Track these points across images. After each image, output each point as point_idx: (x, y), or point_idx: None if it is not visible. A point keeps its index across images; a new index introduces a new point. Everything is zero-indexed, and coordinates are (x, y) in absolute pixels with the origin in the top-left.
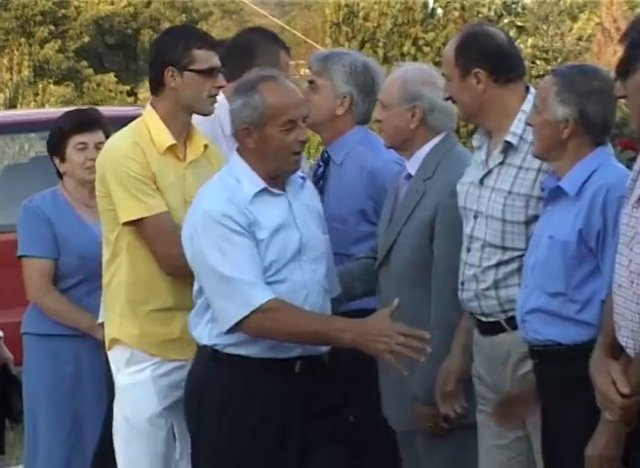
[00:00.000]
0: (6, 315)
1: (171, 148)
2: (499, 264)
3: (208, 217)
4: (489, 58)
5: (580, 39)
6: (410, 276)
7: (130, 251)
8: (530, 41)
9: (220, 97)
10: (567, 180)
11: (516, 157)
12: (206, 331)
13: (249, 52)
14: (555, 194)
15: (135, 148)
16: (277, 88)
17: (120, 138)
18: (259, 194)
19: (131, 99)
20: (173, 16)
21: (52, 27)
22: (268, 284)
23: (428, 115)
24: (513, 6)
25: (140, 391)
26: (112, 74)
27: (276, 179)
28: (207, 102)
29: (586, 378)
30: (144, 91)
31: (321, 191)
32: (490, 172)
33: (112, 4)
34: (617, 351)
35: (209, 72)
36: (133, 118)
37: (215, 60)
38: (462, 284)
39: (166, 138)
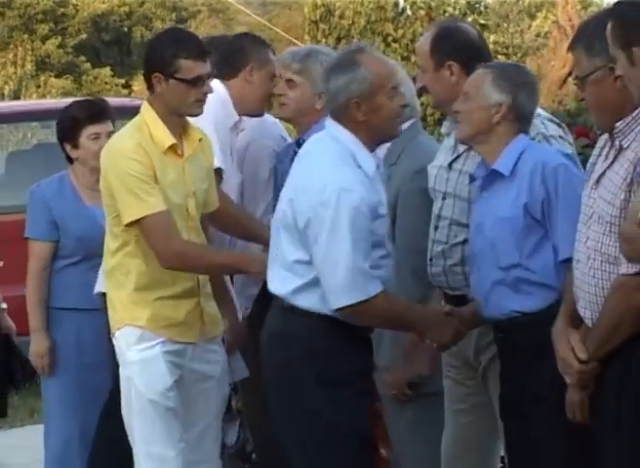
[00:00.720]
0: (11, 289)
1: (172, 147)
2: (465, 242)
3: (347, 195)
4: (461, 52)
5: (538, 36)
6: None
7: (140, 242)
8: (492, 38)
9: (214, 96)
10: (500, 163)
11: None
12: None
13: (243, 54)
14: (490, 179)
15: (138, 149)
16: (376, 58)
17: (124, 139)
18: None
19: (125, 92)
20: (163, 14)
21: (52, 25)
22: (382, 258)
23: None
24: (476, 5)
25: (152, 366)
26: (108, 68)
27: (373, 150)
28: (193, 106)
29: (549, 345)
30: (138, 84)
31: None
32: (458, 156)
33: (106, 3)
34: (577, 321)
35: (193, 82)
36: (128, 108)
37: (200, 70)
38: (431, 260)
39: (167, 138)
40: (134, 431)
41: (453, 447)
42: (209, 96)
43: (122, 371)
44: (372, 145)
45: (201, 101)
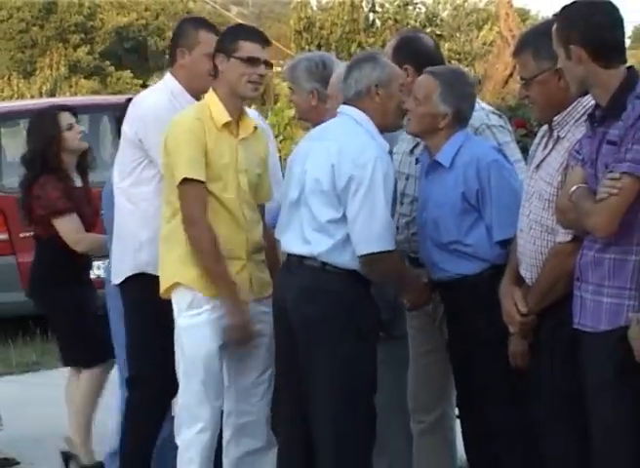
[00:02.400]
0: None
1: (227, 125)
2: None
3: (381, 161)
4: (417, 58)
5: (484, 44)
6: None
7: None
8: (447, 45)
9: (164, 90)
10: (441, 156)
11: None
12: (355, 260)
13: (174, 41)
14: (433, 167)
15: (196, 123)
16: (389, 60)
17: (186, 114)
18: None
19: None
20: (174, 26)
21: (82, 35)
22: None
23: None
24: (434, 18)
25: (198, 332)
26: (129, 71)
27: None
28: (247, 87)
29: (486, 300)
30: (154, 84)
31: None
32: (418, 144)
33: (127, 17)
34: (520, 281)
35: (249, 60)
36: None
37: (256, 52)
38: (397, 229)
39: (223, 116)
40: (180, 381)
41: (417, 382)
42: (160, 94)
43: (176, 331)
44: (380, 129)
45: (255, 83)
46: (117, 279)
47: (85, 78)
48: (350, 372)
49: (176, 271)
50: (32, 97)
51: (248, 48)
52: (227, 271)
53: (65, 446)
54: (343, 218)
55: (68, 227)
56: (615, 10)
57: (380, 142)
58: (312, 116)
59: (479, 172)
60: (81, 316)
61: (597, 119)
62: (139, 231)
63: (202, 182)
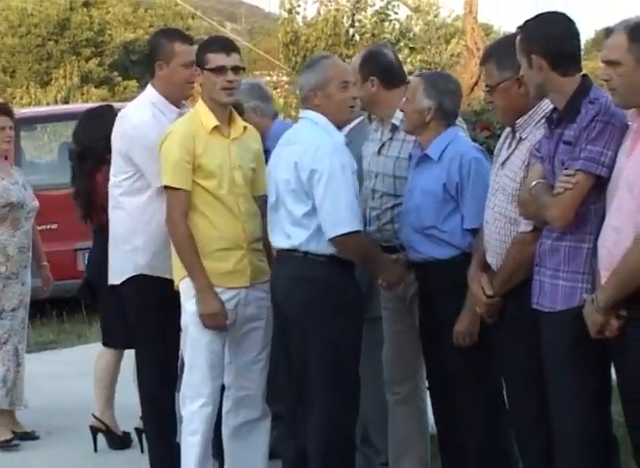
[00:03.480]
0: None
1: (216, 128)
2: (393, 207)
3: (337, 153)
4: (380, 70)
5: (452, 56)
6: None
7: (191, 208)
8: (419, 57)
9: (146, 103)
10: (430, 150)
11: (400, 134)
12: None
13: (150, 55)
14: (423, 159)
15: (186, 132)
16: (334, 61)
17: (178, 124)
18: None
19: None
20: None
21: (93, 49)
22: None
23: None
24: (407, 33)
25: None
26: (135, 81)
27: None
28: (221, 93)
29: (455, 283)
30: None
31: None
32: (383, 145)
33: (134, 32)
34: (486, 267)
35: (217, 70)
36: None
37: (221, 61)
38: (369, 221)
39: (211, 121)
40: (186, 361)
41: (391, 358)
42: (143, 109)
43: (182, 318)
44: (336, 126)
45: (226, 89)
46: (116, 280)
47: (95, 87)
48: (336, 348)
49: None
50: (48, 104)
51: (214, 59)
52: (200, 265)
53: (94, 420)
54: (314, 210)
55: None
56: (571, 23)
57: (335, 138)
58: (258, 129)
59: (461, 167)
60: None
61: (555, 121)
62: (133, 237)
63: (183, 190)
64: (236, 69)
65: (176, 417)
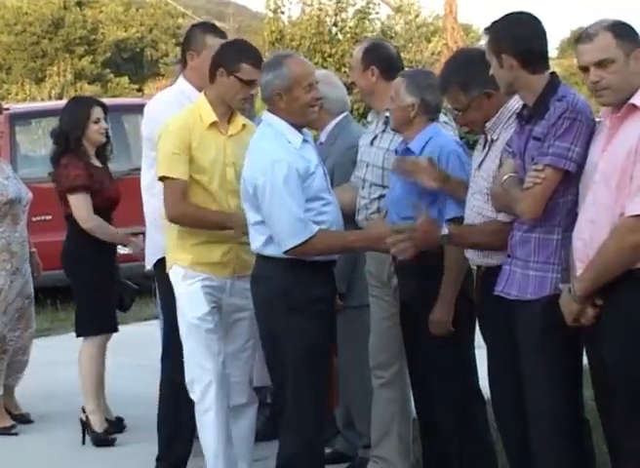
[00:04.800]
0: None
1: (214, 124)
2: (380, 197)
3: (278, 164)
4: (381, 61)
5: (432, 54)
6: None
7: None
8: (400, 55)
9: (179, 94)
10: (413, 144)
11: None
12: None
13: (184, 46)
14: (405, 153)
15: (182, 124)
16: (298, 61)
17: (176, 117)
18: (302, 141)
19: (139, 94)
20: (166, 39)
21: (86, 47)
22: (324, 206)
23: (324, 103)
24: (388, 31)
25: (193, 296)
26: (126, 78)
27: (300, 129)
28: (240, 102)
29: (433, 273)
30: (148, 89)
31: None
32: (376, 136)
33: (125, 31)
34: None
35: (247, 83)
36: (140, 105)
37: (255, 75)
38: (358, 210)
39: (210, 117)
40: (184, 345)
41: (376, 343)
42: (176, 96)
43: (177, 302)
44: (298, 125)
45: (246, 99)
46: (149, 263)
47: (88, 84)
48: (288, 342)
49: (171, 255)
50: (42, 100)
51: (248, 71)
52: (213, 214)
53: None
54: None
55: (79, 204)
56: (538, 22)
57: (287, 144)
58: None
59: (440, 159)
60: (95, 289)
61: (525, 118)
62: (161, 220)
63: (178, 179)
64: (255, 84)
65: (191, 406)
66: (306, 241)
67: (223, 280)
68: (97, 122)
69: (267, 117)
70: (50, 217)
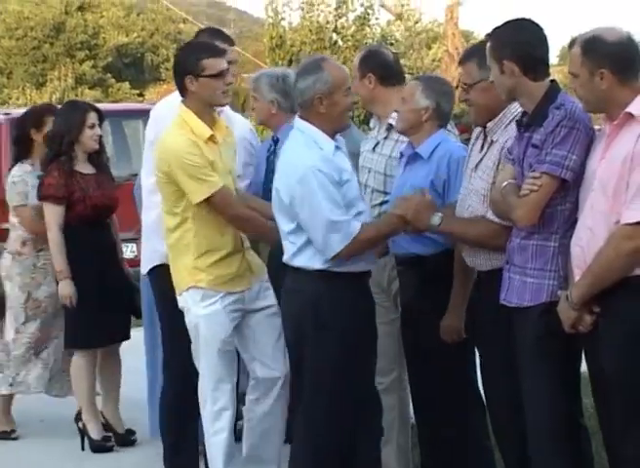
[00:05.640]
0: None
1: (210, 137)
2: (382, 203)
3: (313, 171)
4: (378, 68)
5: (433, 60)
6: None
7: (195, 219)
8: (401, 62)
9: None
10: (422, 149)
11: (394, 134)
12: (315, 260)
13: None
14: (413, 158)
15: (190, 142)
16: (335, 65)
17: (174, 137)
18: (335, 149)
19: (140, 99)
20: (167, 44)
21: (87, 52)
22: (357, 215)
23: None
24: (389, 38)
25: (215, 319)
26: (127, 83)
27: (333, 136)
28: (221, 97)
29: (435, 278)
30: (149, 94)
31: (272, 164)
32: (378, 143)
33: (127, 36)
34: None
35: (218, 75)
36: (142, 110)
37: (221, 65)
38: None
39: (205, 130)
40: (200, 366)
41: (379, 347)
42: (172, 107)
43: (189, 321)
44: (331, 133)
45: (225, 92)
46: (145, 268)
47: (89, 88)
48: (311, 362)
49: (187, 278)
50: None
51: (212, 64)
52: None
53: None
54: (298, 228)
55: (47, 213)
56: (539, 29)
57: (319, 151)
58: (271, 123)
59: (449, 164)
60: (79, 303)
61: (524, 125)
62: (158, 226)
63: (224, 186)
64: (231, 63)
65: (195, 413)
66: (352, 241)
67: (238, 295)
68: (92, 127)
69: (299, 124)
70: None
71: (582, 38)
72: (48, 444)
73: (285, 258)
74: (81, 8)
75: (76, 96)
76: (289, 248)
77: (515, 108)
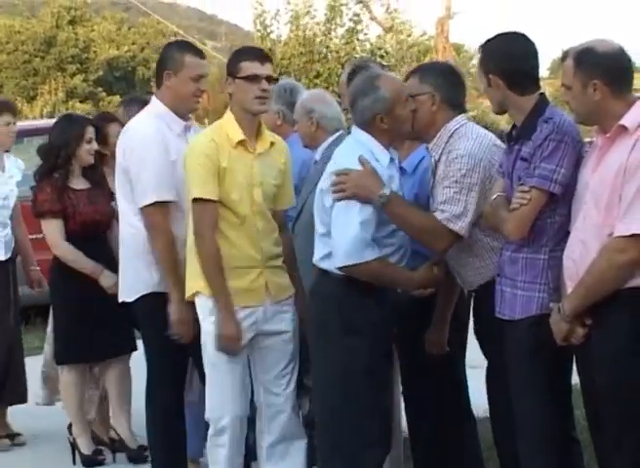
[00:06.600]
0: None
1: (241, 142)
2: None
3: None
4: None
5: None
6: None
7: None
8: (392, 74)
9: (150, 115)
10: (406, 163)
11: None
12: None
13: (160, 64)
14: (399, 172)
15: (210, 145)
16: (389, 78)
17: (201, 137)
18: (390, 161)
19: None
20: (158, 58)
21: (78, 65)
22: (395, 230)
23: (320, 121)
24: (379, 50)
25: None
26: (118, 96)
27: (389, 148)
28: (254, 102)
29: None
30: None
31: None
32: None
33: (117, 49)
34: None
35: (251, 78)
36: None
37: (256, 69)
38: None
39: (237, 134)
40: (207, 380)
41: None
42: (147, 122)
43: (202, 335)
44: (388, 144)
45: (260, 98)
46: (129, 297)
47: (80, 102)
48: (340, 368)
49: (198, 281)
50: (34, 118)
51: (247, 67)
52: (224, 284)
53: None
54: (330, 233)
55: (47, 229)
56: (529, 42)
57: (374, 162)
58: (277, 132)
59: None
60: (67, 315)
61: (513, 138)
62: (145, 254)
63: (212, 201)
64: (270, 79)
65: (184, 427)
66: (359, 264)
67: (253, 309)
68: (89, 142)
69: (357, 133)
70: (41, 236)
71: (575, 50)
72: (39, 456)
73: (314, 260)
74: (72, 22)
75: (67, 109)
76: (319, 250)
77: (452, 126)
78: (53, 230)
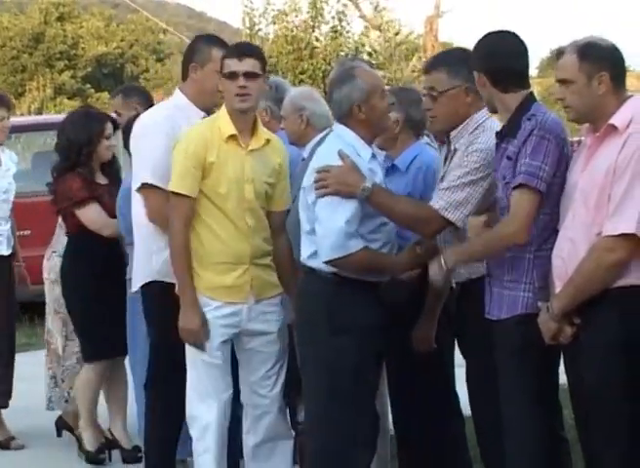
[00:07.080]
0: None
1: (232, 137)
2: None
3: None
4: None
5: (412, 72)
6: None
7: (197, 222)
8: (380, 73)
9: (170, 105)
10: (399, 161)
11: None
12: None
13: (187, 56)
14: (391, 170)
15: (199, 137)
16: (367, 70)
17: (195, 127)
18: (372, 157)
19: None
20: (147, 55)
21: (67, 62)
22: (381, 225)
23: (311, 119)
24: (361, 48)
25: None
26: (107, 93)
27: (370, 143)
28: (235, 100)
29: (415, 291)
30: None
31: None
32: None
33: (106, 46)
34: None
35: (229, 76)
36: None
37: (234, 67)
38: None
39: (228, 129)
40: (187, 376)
41: None
42: (159, 110)
43: None
44: (370, 139)
45: (240, 96)
46: (134, 286)
47: (68, 99)
48: (328, 368)
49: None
50: (22, 114)
51: (227, 64)
52: (190, 279)
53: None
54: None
55: (90, 215)
56: (517, 40)
57: (355, 157)
58: (268, 129)
59: (426, 177)
60: (85, 316)
61: (500, 137)
62: (150, 242)
63: (187, 196)
64: (250, 75)
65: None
66: (346, 256)
67: (239, 307)
68: (108, 138)
69: (338, 129)
70: (29, 233)
71: (577, 45)
72: (28, 455)
73: (301, 259)
74: (60, 18)
75: (55, 106)
76: (306, 248)
77: (479, 116)
78: (99, 213)
